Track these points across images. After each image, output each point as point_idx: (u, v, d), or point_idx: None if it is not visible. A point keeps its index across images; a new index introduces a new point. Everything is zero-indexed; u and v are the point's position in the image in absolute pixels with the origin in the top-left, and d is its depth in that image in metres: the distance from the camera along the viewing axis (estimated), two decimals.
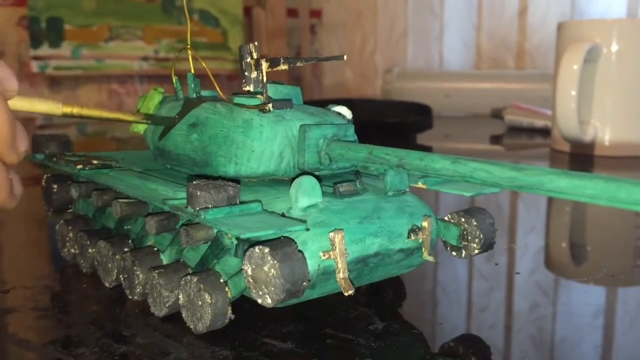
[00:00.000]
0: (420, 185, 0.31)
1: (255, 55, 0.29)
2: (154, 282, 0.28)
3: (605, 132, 0.76)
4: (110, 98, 1.33)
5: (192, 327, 0.26)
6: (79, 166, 0.34)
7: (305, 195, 0.26)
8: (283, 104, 0.30)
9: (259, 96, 0.30)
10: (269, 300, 0.24)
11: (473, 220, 0.30)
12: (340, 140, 0.30)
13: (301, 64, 0.30)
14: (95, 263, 0.33)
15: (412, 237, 0.28)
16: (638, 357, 0.26)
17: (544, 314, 0.30)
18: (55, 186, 0.37)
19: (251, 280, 0.24)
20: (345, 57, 0.31)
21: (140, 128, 0.35)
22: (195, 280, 0.25)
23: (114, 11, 1.29)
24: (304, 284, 0.24)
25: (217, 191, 0.25)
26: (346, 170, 0.31)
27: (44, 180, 0.38)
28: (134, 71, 1.33)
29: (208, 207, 0.25)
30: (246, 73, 0.30)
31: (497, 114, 1.13)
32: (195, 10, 1.39)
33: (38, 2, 1.19)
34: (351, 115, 0.33)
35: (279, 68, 0.30)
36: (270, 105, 0.29)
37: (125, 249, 0.31)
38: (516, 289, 0.34)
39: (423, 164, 0.26)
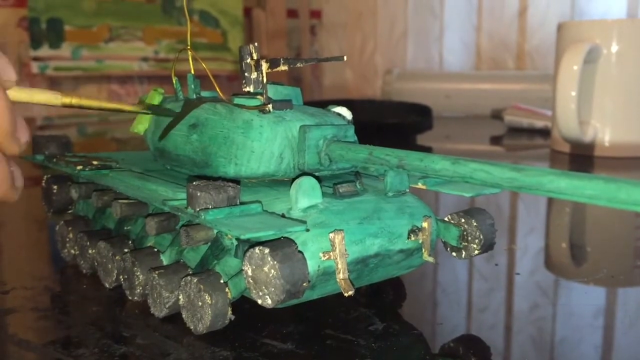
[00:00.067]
0: (420, 185, 0.31)
1: (255, 56, 0.29)
2: (154, 282, 0.28)
3: (605, 132, 0.76)
4: (110, 99, 1.33)
5: (192, 327, 0.26)
6: (79, 167, 0.34)
7: (305, 196, 0.26)
8: (283, 104, 0.30)
9: (259, 97, 0.30)
10: (269, 301, 0.24)
11: (473, 220, 0.30)
12: (340, 141, 0.30)
13: (301, 65, 0.30)
14: (95, 264, 0.33)
15: (412, 238, 0.28)
16: (638, 357, 0.26)
17: (544, 315, 0.30)
18: (55, 187, 0.37)
19: (251, 281, 0.24)
20: (345, 57, 0.31)
21: (141, 129, 0.35)
22: (195, 280, 0.25)
23: (114, 12, 1.29)
24: (304, 284, 0.24)
25: (217, 192, 0.25)
26: (346, 171, 0.31)
27: (44, 181, 0.38)
28: (134, 72, 1.34)
29: (208, 208, 0.25)
30: (246, 74, 0.30)
31: (497, 115, 1.13)
32: (195, 11, 1.39)
33: (38, 3, 1.20)
34: (351, 116, 0.33)
35: (279, 69, 0.30)
36: (270, 106, 0.29)
37: (125, 250, 0.31)
38: (516, 290, 0.34)
39: (423, 164, 0.26)
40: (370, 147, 0.28)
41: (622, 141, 0.76)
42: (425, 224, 0.29)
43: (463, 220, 0.30)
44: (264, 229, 0.24)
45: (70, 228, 0.36)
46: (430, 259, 0.29)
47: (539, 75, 1.26)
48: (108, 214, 0.35)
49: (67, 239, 0.36)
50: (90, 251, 0.33)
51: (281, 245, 0.24)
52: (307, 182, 0.27)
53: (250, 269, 0.24)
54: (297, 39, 1.60)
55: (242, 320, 0.27)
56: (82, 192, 0.35)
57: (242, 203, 0.26)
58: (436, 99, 1.23)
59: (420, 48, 1.50)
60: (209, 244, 0.27)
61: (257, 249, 0.24)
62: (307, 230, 0.25)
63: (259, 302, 0.24)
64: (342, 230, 0.25)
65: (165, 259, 0.30)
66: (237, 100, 0.30)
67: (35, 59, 1.21)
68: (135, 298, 0.30)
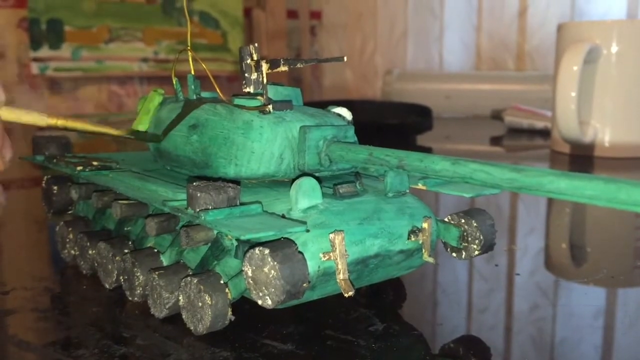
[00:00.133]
0: (420, 186, 0.31)
1: (255, 57, 0.29)
2: (154, 283, 0.28)
3: (605, 133, 0.76)
4: (110, 99, 1.33)
5: (192, 328, 0.26)
6: (79, 167, 0.34)
7: (306, 196, 0.26)
8: (283, 105, 0.30)
9: (259, 97, 0.30)
10: (269, 302, 0.24)
11: (473, 221, 0.30)
12: (340, 141, 0.30)
13: (301, 65, 0.30)
14: (96, 264, 0.33)
15: (412, 239, 0.28)
16: (638, 358, 0.26)
17: (544, 315, 0.30)
18: (55, 187, 0.37)
19: (251, 282, 0.24)
20: (345, 58, 0.31)
21: (141, 129, 0.35)
22: (195, 281, 0.25)
23: (114, 13, 1.29)
24: (304, 285, 0.24)
25: (217, 192, 0.25)
26: (346, 171, 0.31)
27: (44, 182, 0.38)
28: (134, 72, 1.33)
29: (208, 209, 0.25)
30: (246, 74, 0.30)
31: (497, 116, 1.13)
32: (195, 11, 1.39)
33: (38, 3, 1.20)
34: (351, 117, 0.33)
35: (279, 69, 0.30)
36: (270, 106, 0.29)
37: (126, 251, 0.31)
38: (516, 290, 0.34)
39: (423, 165, 0.26)
40: (370, 147, 0.28)
41: (622, 141, 0.76)
42: (425, 225, 0.29)
43: (463, 220, 0.30)
44: (264, 229, 0.24)
45: (70, 229, 0.36)
46: (431, 260, 0.29)
47: (539, 76, 1.26)
48: (108, 215, 0.35)
49: (67, 240, 0.36)
50: (90, 252, 0.33)
51: (281, 246, 0.24)
52: (307, 182, 0.27)
53: (250, 269, 0.24)
54: (297, 39, 1.60)
55: (242, 321, 0.27)
56: (82, 193, 0.35)
57: (242, 204, 0.26)
58: (436, 99, 1.23)
59: (420, 48, 1.51)
60: (209, 244, 0.27)
61: (257, 250, 0.24)
62: (307, 230, 0.25)
63: (259, 302, 0.24)
64: (342, 230, 0.25)
65: (165, 260, 0.30)
66: (237, 101, 0.30)
67: (35, 59, 1.21)
68: (136, 299, 0.30)
